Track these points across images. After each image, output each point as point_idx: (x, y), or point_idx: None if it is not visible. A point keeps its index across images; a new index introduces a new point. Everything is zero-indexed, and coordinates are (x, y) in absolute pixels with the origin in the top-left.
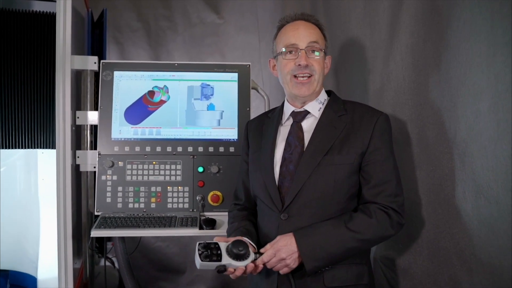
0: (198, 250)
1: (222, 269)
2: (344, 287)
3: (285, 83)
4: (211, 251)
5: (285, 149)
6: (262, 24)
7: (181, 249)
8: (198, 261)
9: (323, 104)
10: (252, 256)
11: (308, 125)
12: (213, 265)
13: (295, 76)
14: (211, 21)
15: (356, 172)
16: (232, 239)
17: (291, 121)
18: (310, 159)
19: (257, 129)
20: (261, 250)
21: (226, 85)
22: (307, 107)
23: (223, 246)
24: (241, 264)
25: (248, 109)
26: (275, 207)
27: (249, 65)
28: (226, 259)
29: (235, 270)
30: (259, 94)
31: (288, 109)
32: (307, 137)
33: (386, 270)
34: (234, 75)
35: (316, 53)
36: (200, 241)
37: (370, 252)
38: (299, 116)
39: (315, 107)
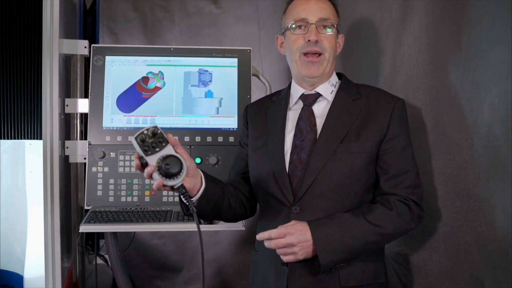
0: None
1: (144, 162)
2: (361, 286)
3: (293, 61)
4: (155, 139)
5: (295, 136)
6: (262, 12)
7: (178, 247)
8: (133, 138)
9: (335, 87)
10: (178, 181)
11: (320, 110)
12: (139, 150)
13: (304, 54)
14: (208, 11)
15: (374, 162)
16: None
17: (300, 104)
18: (325, 147)
19: (259, 113)
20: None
21: (225, 71)
22: (319, 89)
23: (167, 151)
24: (167, 181)
25: (248, 96)
26: (285, 200)
27: (250, 50)
28: (152, 160)
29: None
30: (260, 81)
31: (297, 91)
32: (319, 123)
33: (398, 268)
34: (234, 61)
35: (328, 30)
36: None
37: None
38: (310, 99)
39: (327, 90)
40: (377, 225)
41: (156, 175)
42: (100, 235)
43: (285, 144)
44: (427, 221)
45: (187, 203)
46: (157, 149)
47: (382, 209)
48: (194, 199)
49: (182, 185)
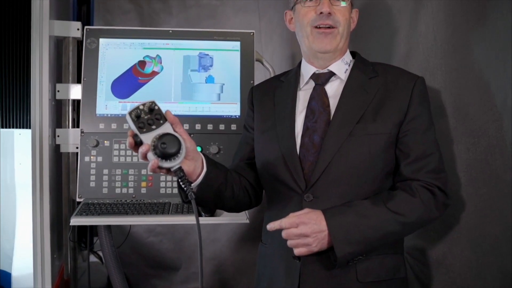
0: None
1: (138, 140)
2: (380, 282)
3: (304, 36)
4: (152, 116)
5: (306, 117)
6: (262, 1)
7: (175, 245)
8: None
9: (349, 65)
10: (175, 163)
11: (333, 89)
12: (133, 127)
13: (316, 28)
14: (207, 2)
15: (393, 145)
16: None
17: (311, 84)
18: (340, 128)
19: (266, 95)
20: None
21: (227, 55)
22: (332, 67)
23: (164, 129)
24: (163, 162)
25: (252, 82)
26: (297, 186)
27: (253, 33)
28: (147, 138)
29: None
30: (264, 67)
31: (308, 70)
32: (333, 103)
33: (414, 263)
34: (236, 44)
35: (342, 2)
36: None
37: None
38: (322, 78)
39: (341, 68)
40: (399, 213)
41: (151, 155)
42: (94, 232)
43: (295, 126)
44: (447, 211)
45: (185, 189)
46: (154, 127)
47: (404, 196)
48: (193, 184)
49: (180, 168)
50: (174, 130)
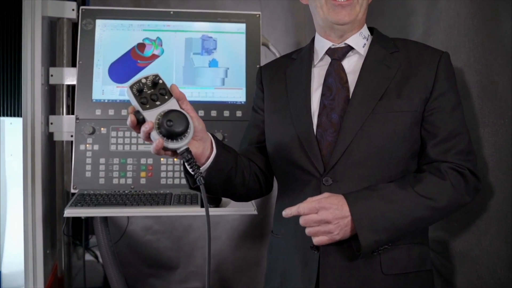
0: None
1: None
2: (406, 274)
3: (318, 7)
4: (156, 90)
5: (323, 95)
6: None
7: (173, 243)
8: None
9: (367, 40)
10: (182, 143)
11: (352, 65)
12: (135, 103)
13: None
14: None
15: (419, 123)
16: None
17: (327, 60)
18: (361, 105)
19: (277, 73)
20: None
21: (231, 38)
22: (349, 41)
23: (169, 105)
24: (168, 144)
25: (258, 66)
26: (314, 170)
27: (259, 14)
28: (151, 116)
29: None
30: (270, 51)
31: (323, 45)
32: (352, 79)
33: (435, 256)
34: (242, 26)
35: None
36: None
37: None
38: (339, 53)
39: (359, 42)
40: (428, 197)
41: (155, 134)
42: (90, 229)
43: (312, 104)
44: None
45: (193, 173)
46: (158, 103)
47: (433, 179)
48: (202, 168)
49: (187, 149)
50: (181, 107)
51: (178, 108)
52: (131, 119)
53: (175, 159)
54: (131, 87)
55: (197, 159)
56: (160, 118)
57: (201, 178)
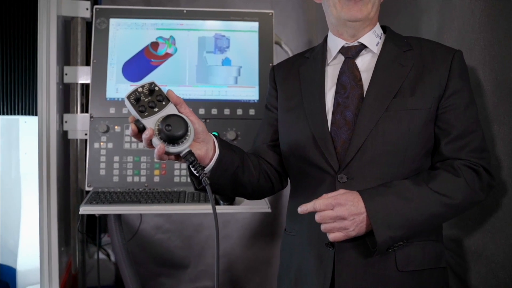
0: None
1: (140, 126)
2: (421, 271)
3: (332, 6)
4: (153, 98)
5: (337, 92)
6: None
7: (184, 242)
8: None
9: (380, 38)
10: (184, 146)
11: (365, 63)
12: (134, 112)
13: None
14: None
15: (433, 121)
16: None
17: (340, 59)
18: (375, 103)
19: (290, 72)
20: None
21: (244, 36)
22: (362, 39)
23: (168, 111)
24: (170, 147)
25: (271, 64)
26: (329, 167)
27: (272, 13)
28: (150, 123)
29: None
30: (282, 50)
31: (336, 44)
32: (365, 77)
33: (449, 255)
34: (254, 25)
35: None
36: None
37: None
38: (353, 51)
39: (372, 40)
40: (443, 194)
41: (156, 140)
42: (102, 228)
43: (326, 103)
44: (488, 197)
45: (198, 175)
46: (156, 109)
47: (447, 176)
48: (206, 169)
49: (190, 152)
50: (179, 111)
51: (176, 112)
52: (131, 128)
53: None
54: (128, 97)
55: (201, 160)
56: (159, 124)
57: (206, 179)
